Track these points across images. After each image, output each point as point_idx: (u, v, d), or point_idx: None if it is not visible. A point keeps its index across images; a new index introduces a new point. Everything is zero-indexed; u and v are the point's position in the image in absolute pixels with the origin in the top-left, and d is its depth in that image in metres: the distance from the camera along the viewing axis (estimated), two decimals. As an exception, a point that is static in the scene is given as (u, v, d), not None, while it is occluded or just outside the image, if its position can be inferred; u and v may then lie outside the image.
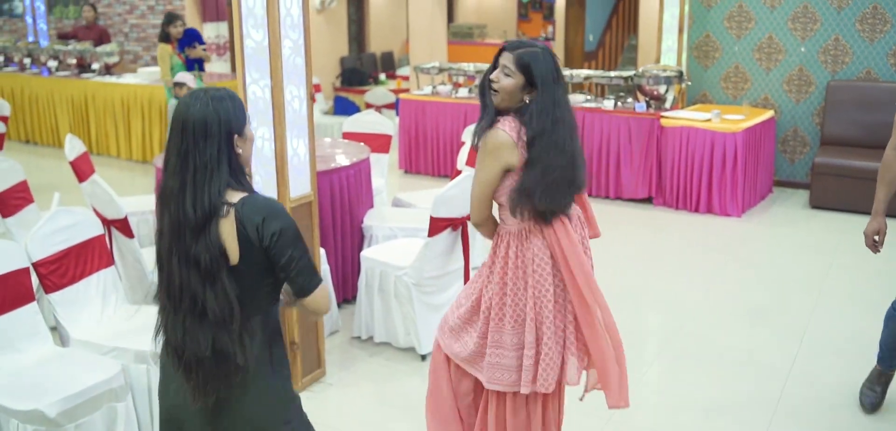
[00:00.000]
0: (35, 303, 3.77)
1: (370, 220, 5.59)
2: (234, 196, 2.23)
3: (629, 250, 6.75)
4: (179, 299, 2.21)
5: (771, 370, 4.66)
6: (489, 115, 2.93)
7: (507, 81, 2.86)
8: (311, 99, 4.18)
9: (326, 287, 2.38)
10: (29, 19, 13.12)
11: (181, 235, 2.18)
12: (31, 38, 12.97)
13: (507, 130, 2.85)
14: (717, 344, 5.03)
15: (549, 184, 2.85)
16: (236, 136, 2.25)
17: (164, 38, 8.36)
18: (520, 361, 3.01)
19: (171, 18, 8.40)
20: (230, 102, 2.25)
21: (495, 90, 2.88)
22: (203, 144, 2.18)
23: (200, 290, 2.18)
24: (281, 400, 2.40)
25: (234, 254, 2.22)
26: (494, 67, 2.93)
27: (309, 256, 2.31)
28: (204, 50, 9.22)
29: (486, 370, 3.05)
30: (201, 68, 9.22)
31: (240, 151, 2.27)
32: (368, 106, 10.21)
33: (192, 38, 9.08)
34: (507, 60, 2.87)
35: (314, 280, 2.31)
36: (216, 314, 2.19)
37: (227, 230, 2.20)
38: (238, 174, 2.26)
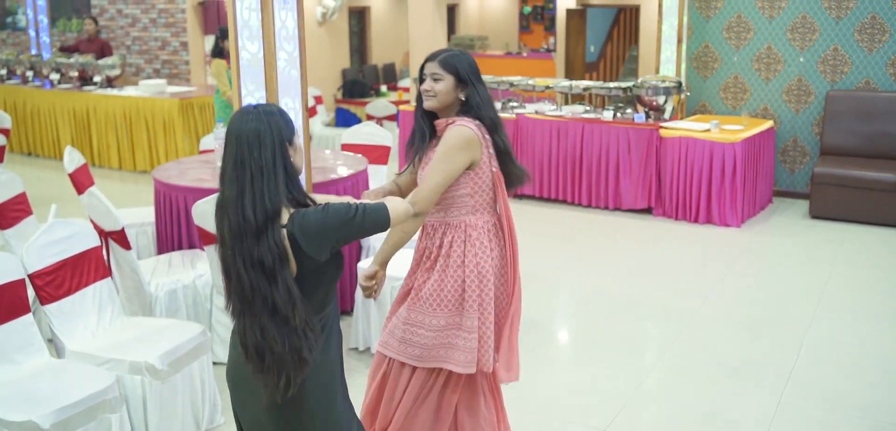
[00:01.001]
0: (31, 315, 3.77)
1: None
2: (285, 215, 2.33)
3: (628, 261, 6.75)
4: (252, 301, 2.30)
5: (769, 379, 4.65)
6: (425, 127, 3.17)
7: (439, 85, 3.07)
8: (307, 111, 4.19)
9: (390, 204, 2.52)
10: (32, 32, 13.17)
11: (243, 239, 2.28)
12: (33, 51, 13.02)
13: (471, 127, 3.04)
14: (715, 354, 5.02)
15: (516, 161, 3.22)
16: (288, 143, 2.37)
17: (219, 53, 8.15)
18: (469, 342, 3.15)
19: (225, 33, 8.03)
20: (278, 115, 2.38)
21: (432, 96, 3.08)
22: (258, 151, 2.29)
23: (268, 289, 2.28)
24: (332, 398, 2.52)
25: (292, 266, 2.33)
26: (422, 82, 3.13)
27: (355, 208, 2.40)
28: None
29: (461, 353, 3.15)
30: None
31: (293, 159, 2.40)
32: (369, 118, 10.23)
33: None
34: (432, 68, 3.10)
35: (380, 215, 2.46)
36: (282, 310, 2.29)
37: (285, 246, 2.32)
38: (294, 180, 2.39)
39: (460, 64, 3.09)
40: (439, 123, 3.14)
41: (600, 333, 5.40)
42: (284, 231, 2.31)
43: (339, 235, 2.37)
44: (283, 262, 2.29)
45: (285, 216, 2.33)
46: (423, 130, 3.18)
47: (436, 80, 3.09)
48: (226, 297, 2.39)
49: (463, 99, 3.10)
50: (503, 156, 3.16)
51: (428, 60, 3.14)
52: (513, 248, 3.23)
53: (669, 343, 5.22)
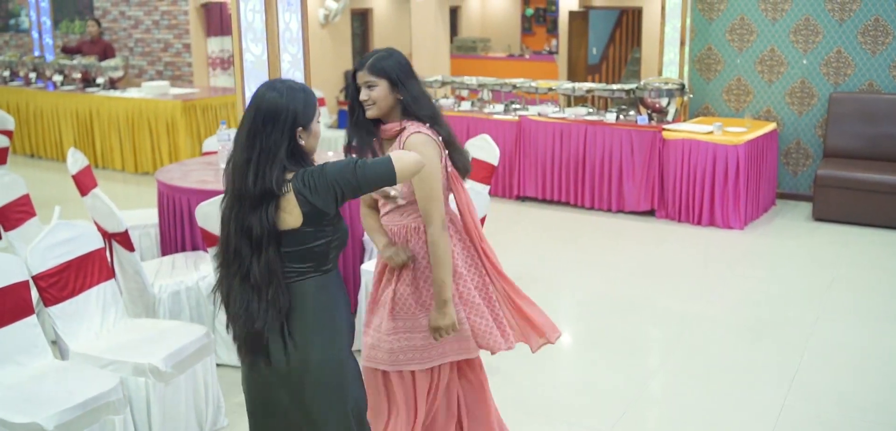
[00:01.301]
0: (34, 316, 3.77)
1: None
2: (291, 174, 2.48)
3: (631, 263, 6.74)
4: (231, 261, 2.51)
5: (773, 382, 4.64)
6: (370, 139, 3.10)
7: (375, 91, 3.01)
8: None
9: (396, 155, 2.54)
10: (35, 34, 13.18)
11: (241, 204, 2.47)
12: (36, 53, 13.03)
13: (425, 132, 3.04)
14: (718, 357, 5.01)
15: (461, 147, 3.21)
16: (300, 128, 2.51)
17: None
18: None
19: None
20: (303, 95, 2.54)
21: (371, 105, 3.03)
22: (271, 128, 2.46)
23: (248, 256, 2.47)
24: (336, 362, 2.63)
25: (295, 220, 2.48)
26: (357, 94, 3.07)
27: (360, 163, 2.49)
28: None
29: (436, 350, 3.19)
30: None
31: (302, 142, 2.54)
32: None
33: None
34: (363, 77, 3.05)
35: (386, 169, 2.51)
36: (256, 281, 2.47)
37: (289, 205, 2.46)
38: (297, 159, 2.52)
39: (389, 66, 3.04)
40: (388, 128, 3.09)
41: (603, 335, 5.39)
42: (291, 186, 2.45)
43: (342, 182, 2.47)
44: (270, 238, 2.44)
45: (289, 174, 2.48)
46: (363, 138, 3.10)
47: (370, 87, 3.03)
48: (218, 248, 2.57)
49: (401, 99, 3.06)
50: (448, 146, 3.16)
51: (356, 69, 3.08)
52: (472, 235, 3.23)
53: (672, 346, 5.21)
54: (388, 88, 3.03)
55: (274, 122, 2.47)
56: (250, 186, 2.44)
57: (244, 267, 2.49)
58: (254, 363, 2.61)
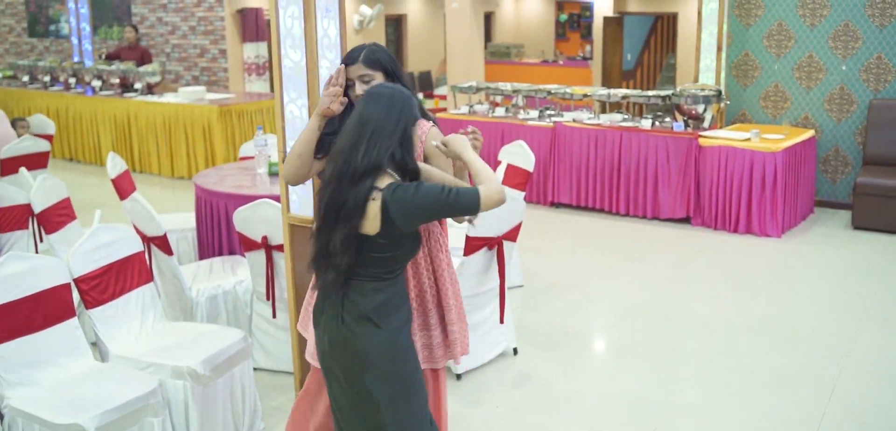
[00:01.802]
0: (76, 318, 3.82)
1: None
2: (385, 181, 2.56)
3: (666, 271, 6.70)
4: (322, 236, 2.63)
5: (811, 393, 4.59)
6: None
7: (372, 85, 2.94)
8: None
9: (484, 188, 2.62)
10: (74, 40, 13.37)
11: (342, 180, 2.56)
12: (76, 59, 13.22)
13: (431, 126, 3.06)
14: (756, 366, 4.96)
15: None
16: (410, 121, 2.64)
17: None
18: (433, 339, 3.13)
19: None
20: (411, 100, 2.69)
21: None
22: (386, 114, 2.59)
23: (333, 226, 2.57)
24: (385, 355, 2.67)
25: (373, 228, 2.56)
26: (346, 92, 3.02)
27: (448, 190, 2.57)
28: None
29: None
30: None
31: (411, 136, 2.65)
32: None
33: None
34: (358, 70, 3.01)
35: (471, 198, 2.59)
36: (335, 250, 2.57)
37: (372, 212, 2.54)
38: (406, 150, 2.63)
39: (383, 57, 3.05)
40: None
41: (638, 344, 5.36)
42: (380, 195, 2.53)
43: (429, 211, 2.59)
44: (357, 213, 2.54)
45: (384, 182, 2.56)
46: None
47: (366, 81, 3.00)
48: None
49: None
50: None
51: (347, 63, 3.03)
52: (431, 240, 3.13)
53: (708, 355, 5.17)
54: (383, 79, 3.01)
55: (389, 109, 2.60)
56: (358, 161, 2.54)
57: (328, 240, 2.59)
58: (321, 316, 2.74)
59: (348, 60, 3.04)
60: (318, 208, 2.68)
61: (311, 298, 3.16)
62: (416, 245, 2.72)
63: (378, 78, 3.00)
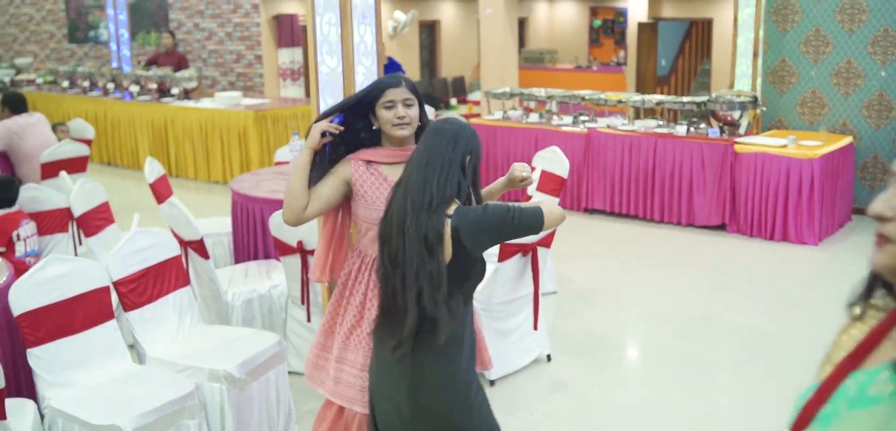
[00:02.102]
0: (114, 321, 3.88)
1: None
2: (451, 208, 2.61)
3: (701, 278, 6.65)
4: (404, 264, 2.58)
5: (849, 403, 4.53)
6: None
7: (412, 110, 2.96)
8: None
9: (546, 207, 2.67)
10: (113, 46, 13.56)
11: (419, 212, 2.57)
12: (114, 64, 13.41)
13: None
14: (792, 376, 4.91)
15: None
16: (468, 156, 2.68)
17: None
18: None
19: None
20: (473, 135, 2.74)
21: (407, 124, 2.96)
22: (453, 148, 2.64)
23: (424, 257, 2.55)
24: (463, 383, 2.69)
25: (448, 253, 2.57)
26: (365, 111, 2.99)
27: (512, 210, 2.61)
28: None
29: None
30: None
31: (469, 172, 2.70)
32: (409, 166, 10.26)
33: (394, 68, 8.50)
34: (402, 93, 2.95)
35: (535, 218, 2.63)
36: (431, 280, 2.54)
37: (446, 237, 2.57)
38: (473, 184, 2.70)
39: (417, 87, 3.04)
40: (405, 151, 2.96)
41: (672, 351, 5.33)
42: (449, 221, 2.57)
43: (496, 233, 2.62)
44: (439, 240, 2.56)
45: (452, 208, 2.60)
46: (341, 155, 3.03)
47: (408, 105, 2.95)
48: (380, 261, 2.69)
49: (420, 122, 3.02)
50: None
51: (390, 86, 2.95)
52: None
53: (744, 365, 5.13)
54: (418, 110, 3.00)
55: (455, 143, 2.65)
56: (433, 193, 2.58)
57: (417, 269, 2.57)
58: (383, 346, 2.70)
59: (394, 82, 2.99)
60: (388, 248, 2.66)
61: (318, 353, 3.18)
62: (483, 271, 2.71)
63: (416, 106, 2.98)
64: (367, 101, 2.98)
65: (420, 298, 2.55)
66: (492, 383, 4.75)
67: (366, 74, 3.96)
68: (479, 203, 2.71)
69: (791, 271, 6.82)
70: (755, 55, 8.45)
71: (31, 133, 7.40)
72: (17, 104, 7.54)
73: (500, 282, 4.60)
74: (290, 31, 13.15)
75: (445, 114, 11.14)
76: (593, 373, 5.01)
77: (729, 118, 7.88)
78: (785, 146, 7.48)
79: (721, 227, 7.88)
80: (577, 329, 5.63)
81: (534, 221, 2.63)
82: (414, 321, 2.56)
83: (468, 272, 2.64)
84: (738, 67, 8.62)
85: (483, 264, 2.70)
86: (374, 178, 2.99)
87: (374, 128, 3.01)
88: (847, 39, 8.22)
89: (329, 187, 3.00)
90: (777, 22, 8.60)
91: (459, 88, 15.99)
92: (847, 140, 7.96)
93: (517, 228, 2.61)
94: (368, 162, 3.00)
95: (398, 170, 2.88)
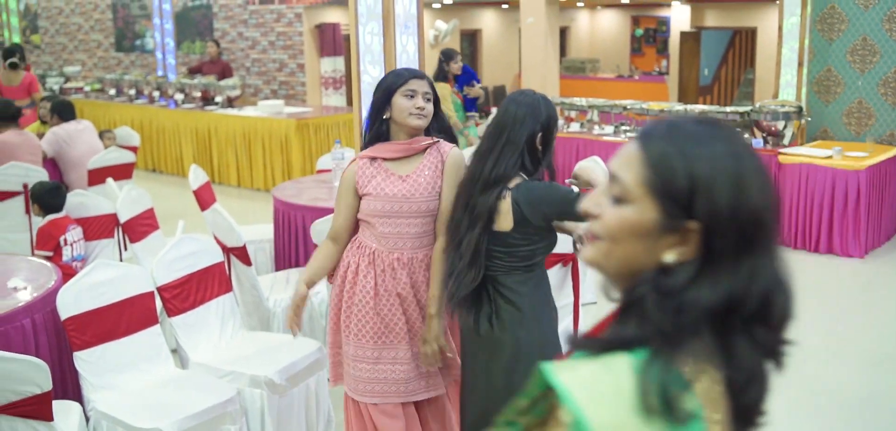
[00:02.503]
0: (158, 326, 3.93)
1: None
2: (514, 181, 2.79)
3: (744, 290, 6.56)
4: (455, 234, 2.83)
5: (894, 419, 4.45)
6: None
7: (430, 105, 3.06)
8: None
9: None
10: (159, 55, 13.76)
11: (473, 185, 2.80)
12: (160, 73, 13.61)
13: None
14: (837, 392, 4.84)
15: None
16: (540, 134, 2.81)
17: (442, 76, 7.78)
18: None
19: (450, 55, 7.87)
20: (547, 110, 2.84)
21: (424, 117, 3.03)
22: (519, 128, 2.77)
23: (467, 229, 2.78)
24: (530, 350, 2.82)
25: (506, 224, 2.78)
26: (384, 105, 3.05)
27: (577, 193, 2.81)
28: (481, 88, 8.70)
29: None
30: (474, 108, 8.68)
31: (540, 148, 2.84)
32: (480, 138, 10.27)
33: (469, 76, 8.60)
34: (423, 86, 3.03)
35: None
36: (470, 252, 2.77)
37: (505, 209, 2.77)
38: (533, 159, 2.83)
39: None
40: (414, 142, 3.08)
41: (715, 363, 5.26)
42: (509, 194, 2.76)
43: (557, 207, 2.79)
44: (488, 219, 2.76)
45: (514, 182, 2.78)
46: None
47: (427, 99, 3.04)
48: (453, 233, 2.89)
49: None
50: None
51: (414, 76, 3.05)
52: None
53: (787, 380, 5.03)
54: (433, 109, 3.08)
55: (521, 124, 2.78)
56: (487, 171, 2.76)
57: (458, 238, 2.81)
58: (464, 321, 2.93)
59: (418, 74, 3.08)
60: (454, 214, 2.87)
61: (336, 353, 3.28)
62: (553, 241, 2.91)
63: (433, 102, 3.07)
64: (391, 91, 3.03)
65: (456, 272, 2.78)
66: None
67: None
68: (551, 175, 2.89)
69: (836, 283, 6.71)
70: (800, 65, 8.34)
71: (79, 140, 7.53)
72: (65, 112, 7.68)
73: (539, 292, 4.58)
74: (333, 41, 13.25)
75: (486, 122, 11.13)
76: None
77: (773, 129, 7.79)
78: (830, 157, 7.37)
79: (764, 238, 7.77)
80: (618, 340, 5.58)
81: (571, 204, 2.78)
82: (468, 288, 2.79)
83: (528, 240, 2.81)
84: (782, 77, 8.52)
85: (551, 235, 2.88)
86: (377, 172, 3.06)
87: (385, 117, 3.06)
88: (895, 49, 8.09)
89: (345, 202, 3.11)
90: (823, 31, 8.48)
91: (500, 97, 15.97)
92: (894, 151, 7.82)
93: (573, 205, 2.74)
94: (372, 158, 3.08)
95: (403, 165, 3.02)
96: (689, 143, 1.26)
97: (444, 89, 7.57)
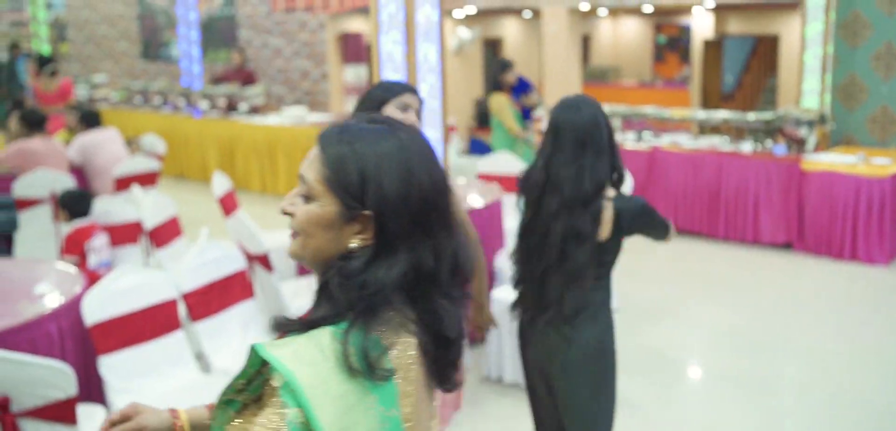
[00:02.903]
0: (181, 331, 3.98)
1: (501, 261, 5.63)
2: (610, 192, 2.88)
3: (767, 297, 6.54)
4: (548, 255, 2.86)
5: (919, 427, 4.42)
6: None
7: (419, 126, 2.93)
8: (446, 140, 4.27)
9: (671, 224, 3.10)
10: (184, 63, 13.88)
11: (574, 208, 2.80)
12: (185, 81, 13.72)
13: None
14: (860, 400, 4.81)
15: None
16: (610, 133, 2.91)
17: (497, 86, 7.78)
18: None
19: (505, 66, 7.86)
20: (598, 105, 2.92)
21: None
22: (598, 135, 2.83)
23: (575, 253, 2.82)
24: (598, 349, 2.95)
25: (606, 232, 2.86)
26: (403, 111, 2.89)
27: (659, 221, 3.01)
28: (537, 97, 8.73)
29: None
30: (530, 117, 8.69)
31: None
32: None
33: (525, 86, 8.62)
34: (416, 102, 2.91)
35: (668, 229, 3.08)
36: (579, 268, 2.83)
37: (607, 218, 2.85)
38: (617, 155, 2.92)
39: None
40: None
41: (736, 372, 5.25)
42: (610, 204, 2.84)
43: (651, 224, 2.97)
44: (595, 228, 2.82)
45: (611, 192, 2.86)
46: None
47: (418, 117, 2.91)
48: (517, 257, 2.98)
49: None
50: None
51: (408, 91, 2.89)
52: None
53: (810, 386, 5.03)
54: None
55: (598, 129, 2.83)
56: (588, 188, 2.80)
57: (567, 260, 2.84)
58: (541, 334, 2.98)
59: (411, 89, 2.93)
60: (528, 247, 2.93)
61: None
62: (618, 253, 3.01)
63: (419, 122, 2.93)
64: (383, 102, 2.87)
65: (565, 284, 2.85)
66: (551, 399, 4.74)
67: (430, 91, 4.01)
68: (620, 175, 2.93)
69: (860, 291, 6.67)
70: (823, 71, 8.30)
71: (105, 148, 7.62)
72: (91, 120, 7.79)
73: (560, 299, 4.59)
74: (356, 49, 13.32)
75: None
76: (655, 392, 4.97)
77: (796, 136, 7.75)
78: (854, 164, 7.33)
79: (787, 246, 7.75)
80: (640, 348, 5.59)
81: (668, 229, 3.04)
82: (557, 298, 2.87)
83: (617, 250, 2.95)
84: (805, 84, 8.48)
85: (620, 246, 2.99)
86: None
87: None
88: (920, 55, 8.03)
89: None
90: (846, 37, 8.43)
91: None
92: (920, 158, 7.77)
93: (660, 227, 2.98)
94: None
95: None
96: (360, 141, 1.45)
97: (501, 99, 7.56)
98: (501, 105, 7.53)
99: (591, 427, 2.98)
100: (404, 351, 1.41)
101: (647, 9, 14.61)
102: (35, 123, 7.20)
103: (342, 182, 1.43)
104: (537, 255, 2.88)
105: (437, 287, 1.45)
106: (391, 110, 2.87)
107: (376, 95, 2.92)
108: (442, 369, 1.51)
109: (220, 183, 6.21)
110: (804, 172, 7.51)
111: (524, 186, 2.96)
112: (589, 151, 2.80)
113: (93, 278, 4.46)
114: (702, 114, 8.67)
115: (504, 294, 4.99)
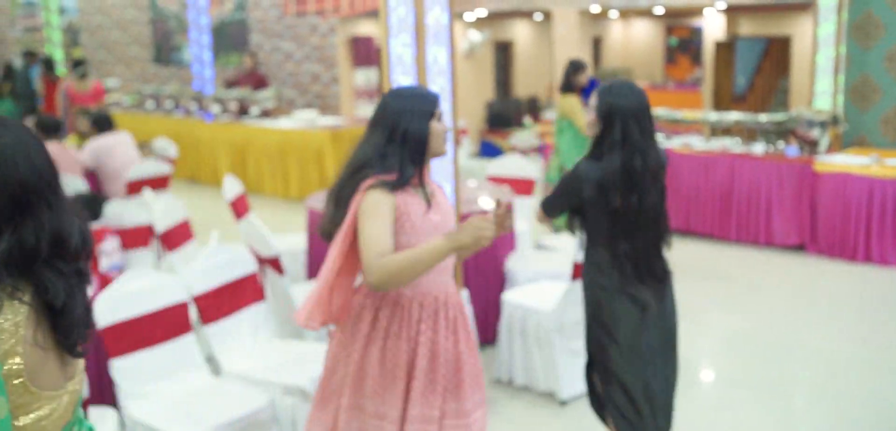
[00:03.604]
0: (192, 334, 3.99)
1: (512, 263, 5.63)
2: None
3: (779, 300, 6.51)
4: (646, 219, 3.39)
5: (933, 430, 4.39)
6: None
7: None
8: (457, 143, 4.27)
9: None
10: (196, 67, 13.92)
11: (659, 174, 3.40)
12: (197, 85, 13.76)
13: None
14: (874, 403, 4.78)
15: None
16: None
17: (569, 87, 7.68)
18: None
19: (577, 66, 7.75)
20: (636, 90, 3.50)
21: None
22: (648, 117, 3.42)
23: (661, 208, 3.43)
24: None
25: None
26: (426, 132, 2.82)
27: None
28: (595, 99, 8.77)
29: None
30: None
31: None
32: (513, 149, 10.28)
33: (595, 87, 8.67)
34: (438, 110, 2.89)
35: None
36: (663, 227, 3.47)
37: None
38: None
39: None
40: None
41: (748, 374, 5.23)
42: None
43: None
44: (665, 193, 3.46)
45: None
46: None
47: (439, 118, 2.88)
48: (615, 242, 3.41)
49: None
50: None
51: (438, 99, 2.86)
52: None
53: (823, 389, 5.00)
54: None
55: (647, 113, 3.39)
56: (663, 158, 3.45)
57: (659, 220, 3.44)
58: (669, 299, 3.67)
59: (438, 97, 2.91)
60: (630, 217, 3.35)
61: (327, 297, 2.87)
62: None
63: None
64: (430, 115, 2.80)
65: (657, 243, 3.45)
66: (562, 402, 4.73)
67: (440, 93, 4.00)
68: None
69: (873, 293, 6.63)
70: (836, 72, 8.26)
71: (117, 152, 7.66)
72: (104, 124, 7.83)
73: (572, 301, 4.59)
74: (366, 52, 13.34)
75: (519, 133, 11.13)
76: (666, 395, 4.94)
77: (809, 137, 7.72)
78: (867, 165, 7.29)
79: (800, 247, 7.71)
80: (651, 350, 5.56)
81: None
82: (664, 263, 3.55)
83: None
84: (817, 85, 8.44)
85: None
86: (414, 200, 2.77)
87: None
88: (933, 56, 7.99)
89: (391, 229, 2.70)
90: (858, 38, 8.39)
91: (533, 108, 15.95)
92: (933, 159, 7.72)
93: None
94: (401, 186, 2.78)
95: (423, 191, 2.77)
96: None
97: (572, 101, 7.45)
98: (574, 107, 7.36)
99: None
100: (11, 317, 1.63)
101: (659, 10, 14.59)
102: (49, 129, 7.25)
103: None
104: (641, 225, 3.35)
105: (41, 261, 1.68)
106: (433, 123, 2.79)
107: (420, 108, 2.79)
108: (63, 335, 1.75)
109: (232, 186, 6.23)
110: (817, 173, 7.48)
111: (622, 176, 3.30)
112: (648, 131, 3.39)
113: (104, 281, 4.47)
114: (714, 116, 8.64)
115: (514, 297, 4.98)
